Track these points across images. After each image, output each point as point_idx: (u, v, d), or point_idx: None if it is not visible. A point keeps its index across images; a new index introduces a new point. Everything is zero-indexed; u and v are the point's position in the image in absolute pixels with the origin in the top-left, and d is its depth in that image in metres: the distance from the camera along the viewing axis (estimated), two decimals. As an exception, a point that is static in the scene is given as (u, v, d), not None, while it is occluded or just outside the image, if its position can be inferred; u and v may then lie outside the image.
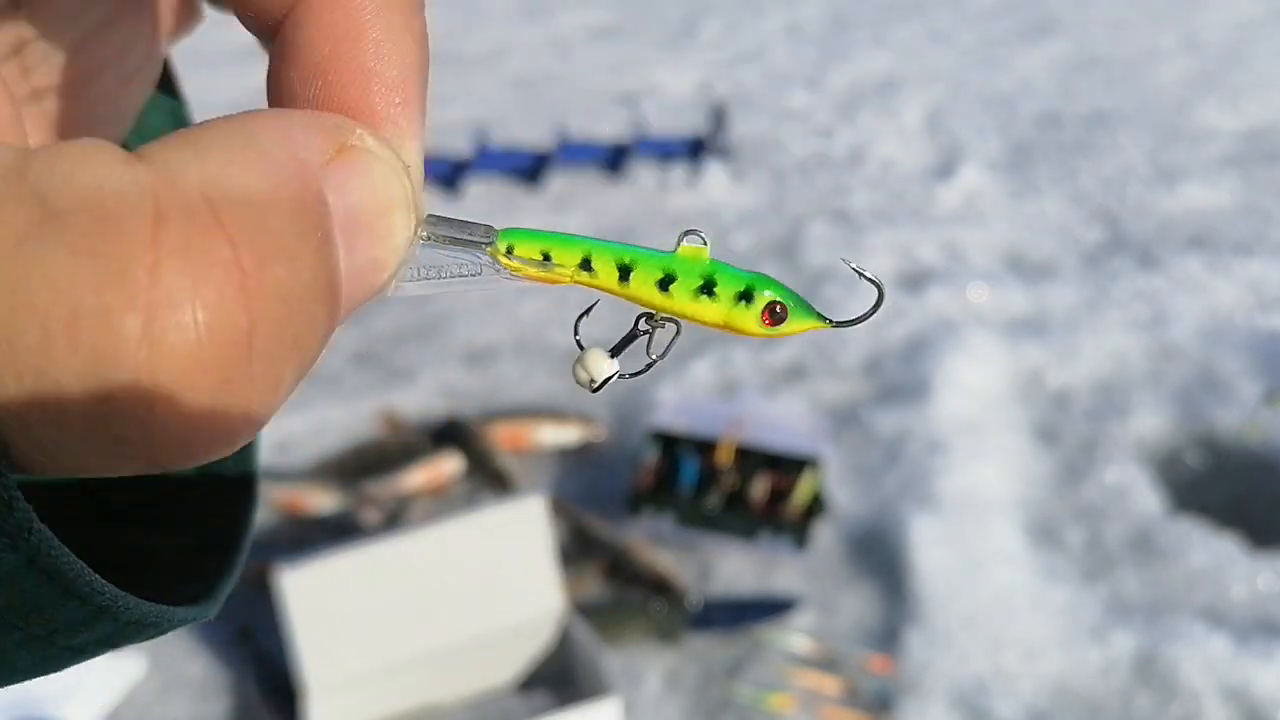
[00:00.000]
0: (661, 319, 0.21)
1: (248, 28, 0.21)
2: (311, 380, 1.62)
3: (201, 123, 0.18)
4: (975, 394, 1.22)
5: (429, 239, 0.20)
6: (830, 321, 0.22)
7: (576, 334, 0.22)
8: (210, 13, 0.29)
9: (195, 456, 0.17)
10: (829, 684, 0.84)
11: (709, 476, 1.18)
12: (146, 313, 0.15)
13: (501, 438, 1.41)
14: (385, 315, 1.78)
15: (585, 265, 0.21)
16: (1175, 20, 2.83)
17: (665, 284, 0.21)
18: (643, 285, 0.21)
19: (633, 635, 0.98)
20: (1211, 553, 0.95)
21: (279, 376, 0.17)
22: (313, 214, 0.17)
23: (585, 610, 0.92)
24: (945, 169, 1.95)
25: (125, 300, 0.15)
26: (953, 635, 0.87)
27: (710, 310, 0.21)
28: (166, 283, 0.15)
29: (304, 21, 0.20)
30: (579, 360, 0.21)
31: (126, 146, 0.17)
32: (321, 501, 1.31)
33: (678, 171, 1.86)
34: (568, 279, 0.21)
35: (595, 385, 0.21)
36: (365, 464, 1.40)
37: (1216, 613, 0.90)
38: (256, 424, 0.17)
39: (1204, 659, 0.83)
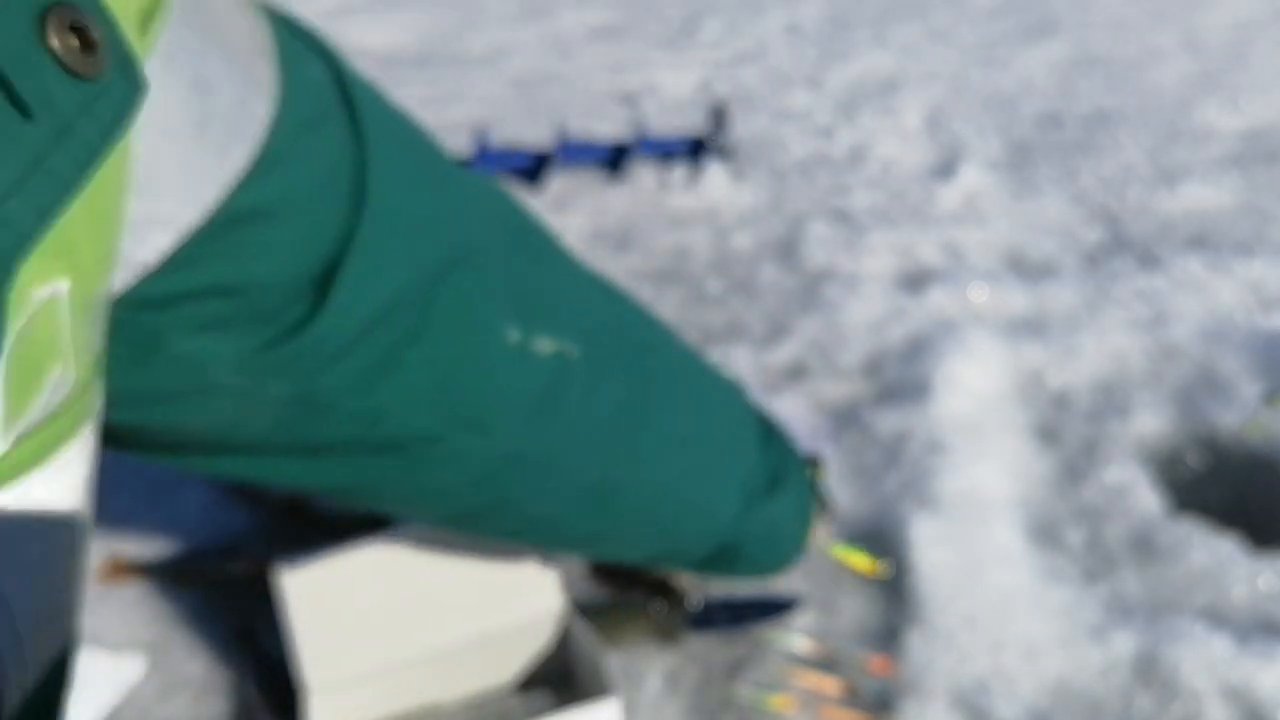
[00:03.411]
0: None
1: None
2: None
3: None
4: (975, 394, 1.22)
5: None
6: None
7: None
8: None
9: None
10: (829, 684, 0.84)
11: (709, 476, 1.18)
12: None
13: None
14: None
15: None
16: (1175, 20, 2.83)
17: None
18: None
19: (633, 635, 0.98)
20: (1212, 553, 0.95)
21: None
22: None
23: (585, 610, 0.92)
24: (945, 169, 1.95)
25: None
26: (953, 636, 0.87)
27: None
28: None
29: None
30: None
31: None
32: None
33: (678, 171, 1.86)
34: None
35: None
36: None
37: (1217, 613, 0.90)
38: None
39: (1205, 659, 0.83)
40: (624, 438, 0.64)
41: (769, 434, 0.80)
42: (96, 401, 0.34)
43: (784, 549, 0.78)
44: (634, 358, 0.66)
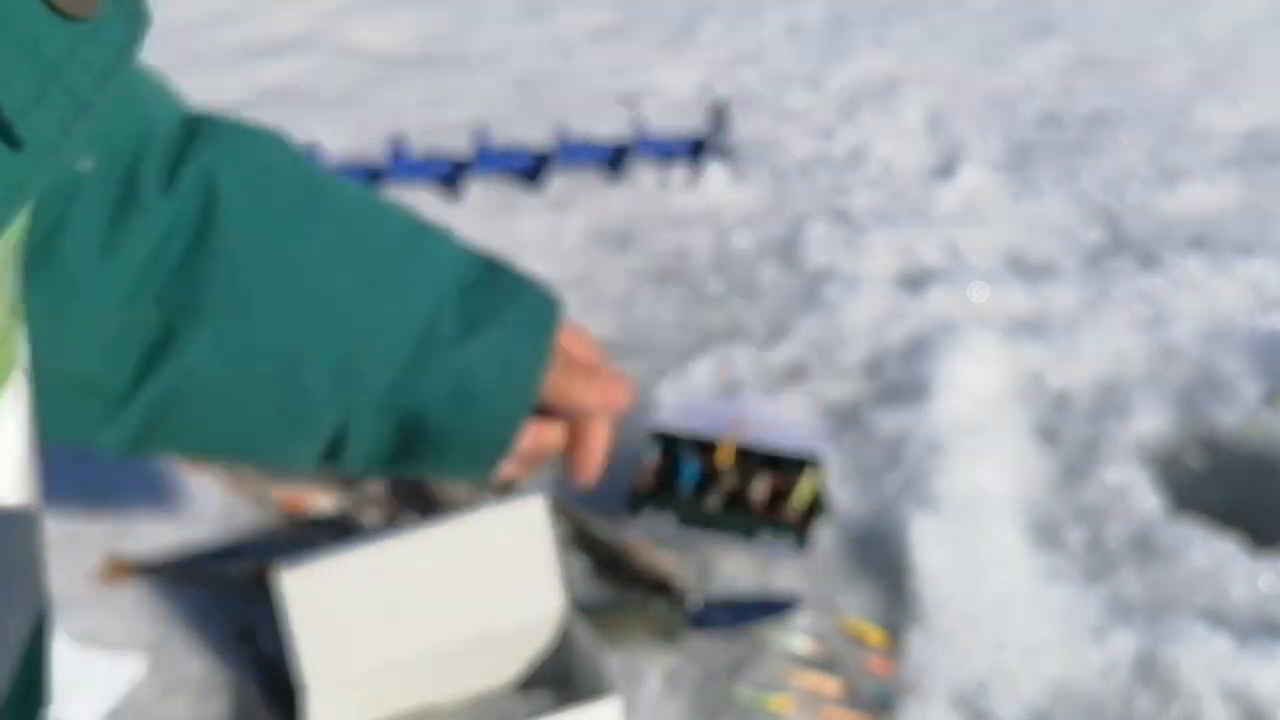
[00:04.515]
0: None
1: None
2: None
3: None
4: (976, 394, 1.22)
5: None
6: None
7: None
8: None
9: None
10: (829, 684, 0.84)
11: (709, 476, 1.18)
12: None
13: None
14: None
15: None
16: (1175, 20, 2.83)
17: None
18: None
19: (633, 635, 0.98)
20: (1212, 553, 0.95)
21: None
22: None
23: (585, 610, 0.92)
24: (946, 169, 1.95)
25: None
26: (953, 635, 0.87)
27: None
28: None
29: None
30: None
31: None
32: (321, 501, 1.30)
33: (678, 171, 1.86)
34: None
35: None
36: (365, 464, 1.40)
37: (1217, 613, 0.90)
38: None
39: (1204, 659, 0.83)
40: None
41: (483, 278, 0.64)
42: (20, 352, 0.32)
43: (483, 408, 0.62)
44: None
